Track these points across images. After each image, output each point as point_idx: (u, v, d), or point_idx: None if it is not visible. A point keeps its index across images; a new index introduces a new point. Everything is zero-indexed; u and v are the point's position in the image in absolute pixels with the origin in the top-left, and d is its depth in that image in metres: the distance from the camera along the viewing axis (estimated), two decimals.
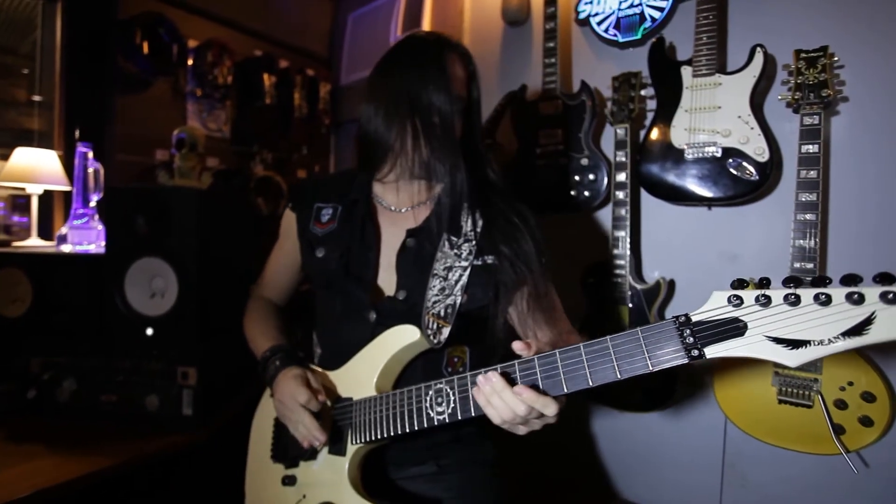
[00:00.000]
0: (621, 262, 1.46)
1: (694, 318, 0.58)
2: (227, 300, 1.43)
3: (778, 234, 1.35)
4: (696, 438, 1.51)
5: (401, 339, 0.84)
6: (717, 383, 1.34)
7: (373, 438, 0.82)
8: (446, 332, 0.84)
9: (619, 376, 0.61)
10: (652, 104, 1.45)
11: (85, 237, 1.36)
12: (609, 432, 1.66)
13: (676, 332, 0.58)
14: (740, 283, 0.57)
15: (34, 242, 1.43)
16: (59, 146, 1.59)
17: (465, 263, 0.87)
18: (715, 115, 1.32)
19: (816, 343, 0.51)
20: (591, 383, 0.63)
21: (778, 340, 0.53)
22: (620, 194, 1.46)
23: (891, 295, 0.47)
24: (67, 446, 1.17)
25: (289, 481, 0.90)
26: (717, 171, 1.32)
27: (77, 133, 1.45)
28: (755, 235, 1.43)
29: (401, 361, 0.86)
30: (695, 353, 0.56)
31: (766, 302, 0.54)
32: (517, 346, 0.69)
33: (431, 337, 0.84)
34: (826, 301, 0.50)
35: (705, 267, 1.50)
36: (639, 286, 1.45)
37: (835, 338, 0.50)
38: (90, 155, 1.34)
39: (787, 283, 0.53)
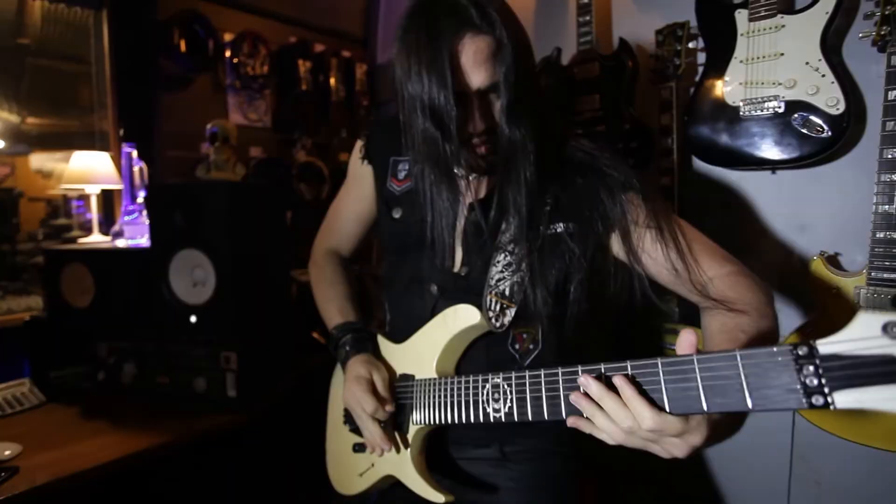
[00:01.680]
0: None
1: (822, 350, 0.42)
2: (264, 288, 1.49)
3: (857, 198, 1.16)
4: (761, 419, 1.37)
5: (461, 320, 0.79)
6: None
7: (432, 422, 0.80)
8: (511, 313, 0.77)
9: (705, 408, 0.49)
10: (702, 58, 1.28)
11: (137, 232, 1.46)
12: None
13: (794, 366, 0.43)
14: None
15: (95, 238, 1.56)
16: (114, 147, 1.71)
17: (535, 234, 0.76)
18: (776, 64, 1.14)
19: None
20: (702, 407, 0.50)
21: None
22: (667, 161, 1.32)
23: None
24: (129, 424, 1.28)
25: (359, 448, 0.91)
26: (780, 129, 1.15)
27: (121, 132, 1.55)
28: (829, 201, 1.24)
29: (462, 342, 0.82)
30: (818, 400, 0.42)
31: None
32: (686, 339, 0.53)
33: (493, 319, 0.77)
34: None
35: (769, 239, 1.33)
36: None
37: None
38: (135, 154, 1.42)
39: None
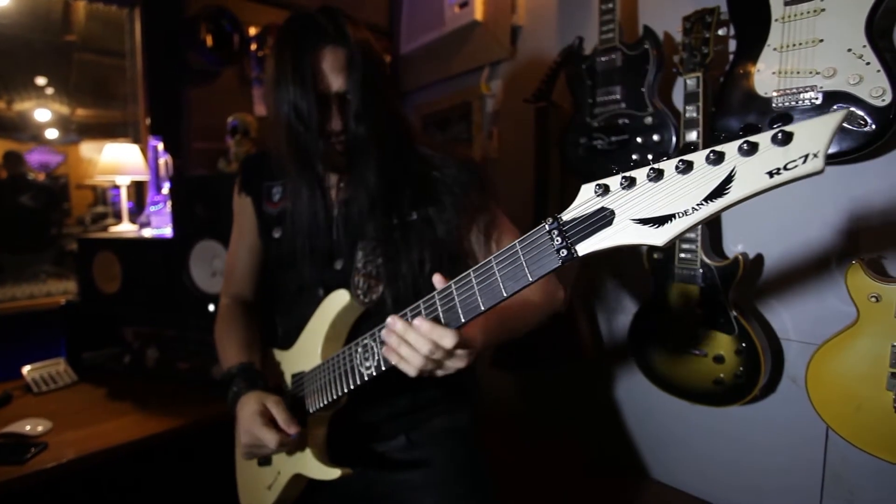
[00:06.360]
0: (691, 234, 1.26)
1: (564, 217, 0.55)
2: None
3: None
4: (789, 436, 1.29)
5: (334, 305, 0.86)
6: (812, 383, 1.11)
7: (324, 403, 0.83)
8: (380, 289, 0.88)
9: (504, 294, 0.60)
10: (733, 47, 1.20)
11: (162, 222, 1.51)
12: (688, 428, 1.49)
13: (548, 237, 0.56)
14: (621, 169, 0.51)
15: (125, 227, 1.64)
16: (144, 139, 1.78)
17: (397, 220, 0.89)
18: (814, 52, 1.05)
19: (681, 214, 0.46)
20: (482, 307, 0.62)
21: (644, 221, 0.48)
22: None
23: (746, 146, 0.42)
24: (150, 406, 1.34)
25: (265, 461, 0.94)
26: None
27: (148, 122, 1.60)
28: (873, 201, 1.14)
29: (341, 328, 0.88)
30: (564, 253, 0.55)
31: (629, 184, 0.49)
32: (436, 279, 0.68)
33: (362, 296, 0.88)
34: (686, 168, 0.45)
35: (808, 239, 1.24)
36: (712, 263, 1.24)
37: (698, 205, 0.45)
38: (160, 147, 1.47)
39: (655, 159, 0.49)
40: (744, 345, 1.22)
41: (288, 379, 0.94)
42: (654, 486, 1.54)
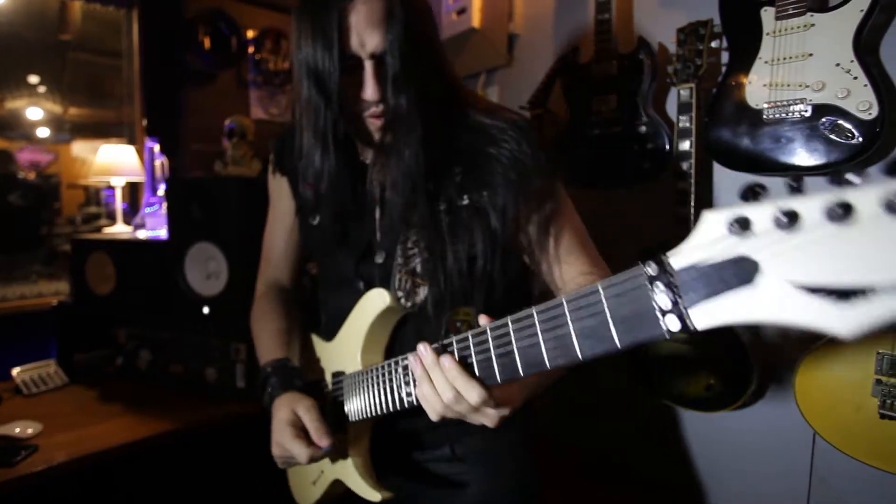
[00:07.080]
0: None
1: (676, 264, 0.36)
2: None
3: None
4: (777, 442, 1.31)
5: (374, 306, 0.76)
6: (800, 389, 1.13)
7: (365, 416, 0.77)
8: (424, 291, 0.74)
9: (580, 357, 0.45)
10: (725, 58, 1.23)
11: (157, 223, 1.51)
12: (676, 432, 1.50)
13: (647, 288, 0.38)
14: (753, 193, 0.32)
15: (119, 229, 1.63)
16: (140, 139, 1.78)
17: (444, 206, 0.73)
18: (804, 66, 1.07)
19: (890, 289, 0.26)
20: (548, 365, 0.47)
21: (813, 290, 0.29)
22: (684, 165, 1.26)
23: None
24: (143, 409, 1.34)
25: None
26: (807, 135, 1.08)
27: (144, 123, 1.60)
28: None
29: (382, 331, 0.79)
30: (673, 323, 0.37)
31: (789, 222, 0.29)
32: (482, 319, 0.58)
33: (404, 299, 0.75)
34: None
35: None
36: None
37: None
38: (157, 148, 1.47)
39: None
40: (735, 350, 1.24)
41: (328, 377, 0.88)
42: (641, 487, 1.55)
